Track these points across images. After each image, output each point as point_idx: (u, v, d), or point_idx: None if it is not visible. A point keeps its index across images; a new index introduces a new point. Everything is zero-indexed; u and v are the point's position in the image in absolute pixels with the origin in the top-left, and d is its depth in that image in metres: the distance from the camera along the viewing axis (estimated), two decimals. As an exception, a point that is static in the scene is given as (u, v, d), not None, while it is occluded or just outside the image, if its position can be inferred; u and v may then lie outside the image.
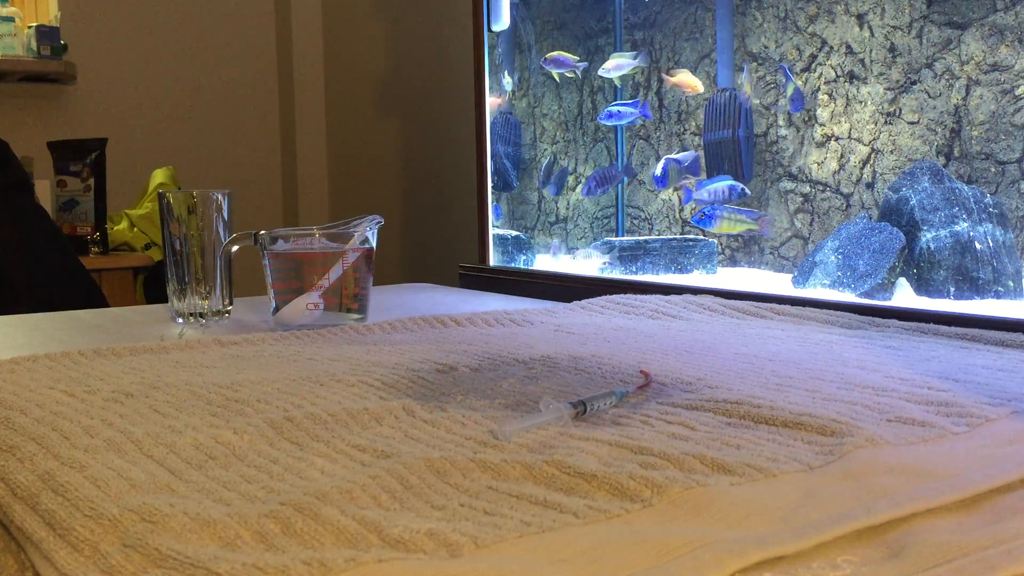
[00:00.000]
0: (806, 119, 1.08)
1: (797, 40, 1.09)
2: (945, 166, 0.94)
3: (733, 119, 1.17)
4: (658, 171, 1.25)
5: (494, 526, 0.36)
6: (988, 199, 0.91)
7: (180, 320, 1.00)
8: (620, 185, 1.36)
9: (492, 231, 1.53)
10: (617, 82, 1.37)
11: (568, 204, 1.46)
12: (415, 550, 0.34)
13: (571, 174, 1.45)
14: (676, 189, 1.27)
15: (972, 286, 0.90)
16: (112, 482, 0.41)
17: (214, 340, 0.81)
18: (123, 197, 2.58)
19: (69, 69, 2.60)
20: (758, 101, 1.13)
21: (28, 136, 2.52)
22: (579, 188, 1.43)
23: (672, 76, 1.22)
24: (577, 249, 1.42)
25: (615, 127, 1.37)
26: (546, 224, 1.50)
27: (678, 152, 1.26)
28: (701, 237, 1.23)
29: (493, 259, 1.52)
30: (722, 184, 1.15)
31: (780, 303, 0.96)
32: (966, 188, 0.92)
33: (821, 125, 1.07)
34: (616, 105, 1.34)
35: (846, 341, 0.77)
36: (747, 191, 1.13)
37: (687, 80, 1.22)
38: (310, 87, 2.89)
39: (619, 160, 1.37)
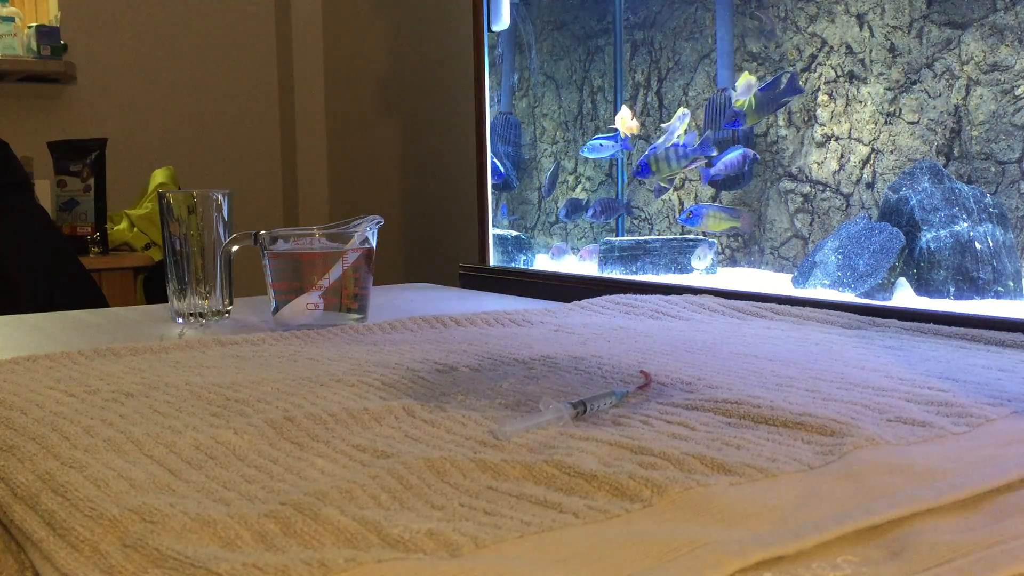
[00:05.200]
0: (806, 119, 1.08)
1: (797, 40, 1.09)
2: (945, 166, 0.94)
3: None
4: (635, 167, 1.26)
5: (494, 526, 0.36)
6: (988, 199, 0.91)
7: (180, 320, 1.00)
8: (620, 219, 1.36)
9: (492, 231, 1.53)
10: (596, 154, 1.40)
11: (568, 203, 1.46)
12: (415, 550, 0.34)
13: (571, 174, 1.45)
14: (676, 189, 1.27)
15: (972, 286, 0.90)
16: (112, 482, 0.41)
17: (214, 340, 0.81)
18: (123, 197, 2.57)
19: (69, 69, 2.60)
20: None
21: (28, 136, 2.52)
22: (579, 188, 1.43)
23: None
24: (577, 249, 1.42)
25: (615, 130, 1.37)
26: (546, 224, 1.50)
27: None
28: (701, 237, 1.23)
29: (493, 259, 1.52)
30: (735, 154, 1.15)
31: (780, 303, 0.96)
32: (966, 188, 0.92)
33: (821, 125, 1.07)
34: (599, 139, 1.36)
35: (846, 341, 0.77)
36: (757, 156, 1.13)
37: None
38: (310, 87, 2.89)
39: (619, 157, 1.37)
